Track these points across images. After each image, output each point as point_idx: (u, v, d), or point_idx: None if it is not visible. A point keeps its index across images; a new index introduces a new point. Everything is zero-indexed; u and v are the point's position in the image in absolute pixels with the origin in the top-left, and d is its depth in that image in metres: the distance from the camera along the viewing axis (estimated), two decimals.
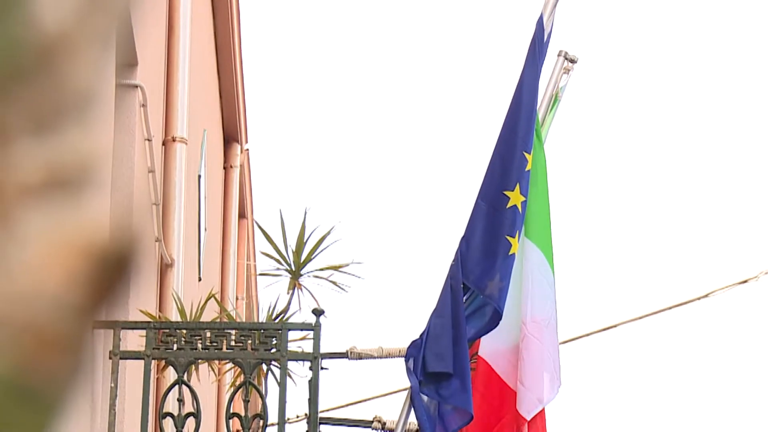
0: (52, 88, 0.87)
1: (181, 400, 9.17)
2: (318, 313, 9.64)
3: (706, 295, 13.28)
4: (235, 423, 9.36)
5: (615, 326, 12.98)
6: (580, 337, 12.33)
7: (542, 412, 9.67)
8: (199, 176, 12.83)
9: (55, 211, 0.86)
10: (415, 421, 9.35)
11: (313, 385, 9.50)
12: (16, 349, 0.82)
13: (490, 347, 9.58)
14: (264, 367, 9.43)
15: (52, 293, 0.83)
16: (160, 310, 10.92)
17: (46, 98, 0.87)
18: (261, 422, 9.36)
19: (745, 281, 13.41)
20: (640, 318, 13.09)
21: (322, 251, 10.43)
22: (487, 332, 9.33)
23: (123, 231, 0.90)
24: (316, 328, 9.57)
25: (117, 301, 0.88)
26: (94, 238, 0.86)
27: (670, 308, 13.33)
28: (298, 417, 9.94)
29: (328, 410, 10.35)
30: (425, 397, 9.14)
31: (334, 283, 10.24)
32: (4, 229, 0.85)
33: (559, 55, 10.07)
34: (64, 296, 0.84)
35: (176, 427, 9.12)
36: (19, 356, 0.83)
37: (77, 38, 0.86)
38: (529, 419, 9.56)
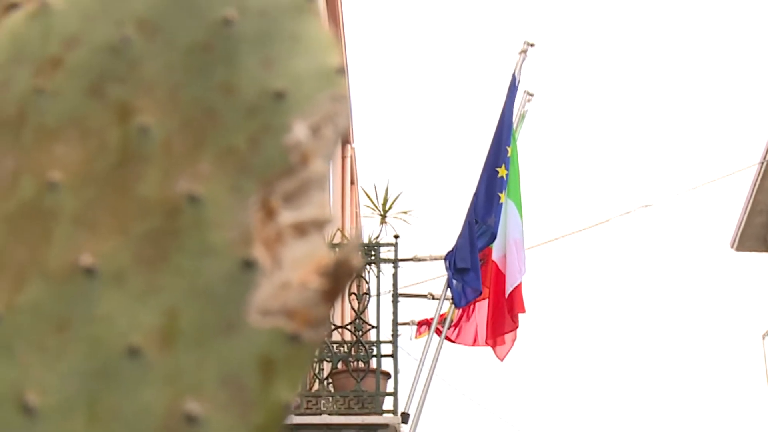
0: (302, 176, 0.69)
1: None
2: (396, 237, 9.98)
3: (607, 221, 13.24)
4: (353, 298, 9.57)
5: (556, 239, 13.06)
6: (534, 246, 12.45)
7: (519, 288, 9.83)
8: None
9: (305, 245, 0.68)
10: (450, 294, 9.54)
11: (395, 276, 9.83)
12: (288, 319, 0.65)
13: (497, 255, 9.81)
14: (368, 267, 9.69)
15: (305, 289, 0.66)
16: None
17: (298, 183, 0.69)
18: (367, 296, 9.59)
19: (628, 213, 13.39)
20: (571, 234, 13.15)
21: (397, 203, 10.64)
22: (489, 245, 9.57)
23: (347, 250, 0.67)
24: (395, 245, 9.92)
25: (345, 290, 0.68)
26: (329, 256, 0.69)
27: (587, 228, 13.35)
28: (382, 293, 10.05)
29: (403, 287, 10.58)
30: (455, 281, 9.38)
31: (404, 220, 10.51)
32: (274, 259, 0.67)
33: (524, 92, 10.19)
34: (313, 290, 0.65)
35: None
36: (289, 323, 0.65)
37: (318, 146, 0.69)
38: (506, 296, 9.76)
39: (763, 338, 18.33)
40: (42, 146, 0.66)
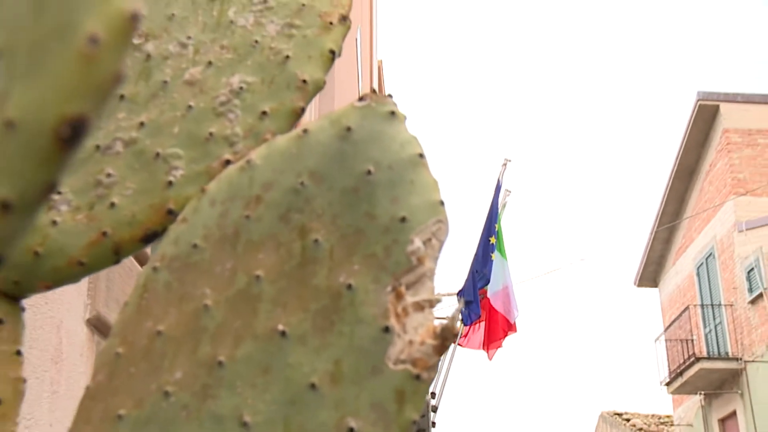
0: (419, 272, 0.66)
1: None
2: None
3: (558, 269, 13.02)
4: None
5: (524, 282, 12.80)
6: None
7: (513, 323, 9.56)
8: None
9: (422, 316, 0.66)
10: (459, 316, 9.38)
11: None
12: (413, 365, 0.63)
13: (490, 292, 9.57)
14: None
15: (423, 346, 0.64)
16: None
17: (417, 276, 0.66)
18: None
19: (571, 263, 13.19)
20: (535, 277, 12.91)
21: None
22: (484, 287, 9.35)
23: (450, 322, 0.60)
24: None
25: (449, 347, 0.66)
26: (437, 322, 0.66)
27: (546, 273, 13.11)
28: None
29: None
30: (463, 309, 9.21)
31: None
32: (402, 326, 0.65)
33: (505, 190, 10.10)
34: (428, 346, 0.64)
35: None
36: (414, 368, 0.63)
37: (429, 252, 0.65)
38: (502, 321, 9.44)
39: (654, 342, 18.08)
40: (250, 254, 0.65)
